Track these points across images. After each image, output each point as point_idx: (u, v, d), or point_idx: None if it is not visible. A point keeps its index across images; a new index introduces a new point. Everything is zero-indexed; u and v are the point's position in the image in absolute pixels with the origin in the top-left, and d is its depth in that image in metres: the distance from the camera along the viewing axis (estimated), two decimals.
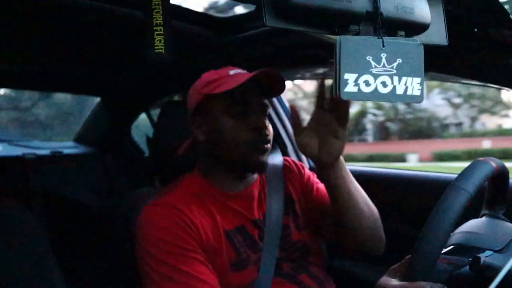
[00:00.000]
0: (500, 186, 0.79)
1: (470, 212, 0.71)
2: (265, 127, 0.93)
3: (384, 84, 0.53)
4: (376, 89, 0.53)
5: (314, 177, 1.08)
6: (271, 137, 0.95)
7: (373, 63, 0.53)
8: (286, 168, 1.09)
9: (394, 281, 0.64)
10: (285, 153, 1.70)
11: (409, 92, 0.55)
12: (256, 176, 1.02)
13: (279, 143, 1.61)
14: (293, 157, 1.67)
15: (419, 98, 0.56)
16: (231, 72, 0.94)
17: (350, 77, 0.52)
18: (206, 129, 0.95)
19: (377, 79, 0.53)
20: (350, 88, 0.52)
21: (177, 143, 1.11)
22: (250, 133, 0.92)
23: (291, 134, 1.62)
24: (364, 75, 0.53)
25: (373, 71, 0.53)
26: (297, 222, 1.01)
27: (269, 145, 0.94)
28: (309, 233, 1.02)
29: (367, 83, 0.53)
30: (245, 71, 0.96)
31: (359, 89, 0.53)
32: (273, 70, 0.91)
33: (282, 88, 0.95)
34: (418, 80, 0.55)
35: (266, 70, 0.90)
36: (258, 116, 0.93)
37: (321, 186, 1.04)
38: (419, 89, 0.55)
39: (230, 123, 0.92)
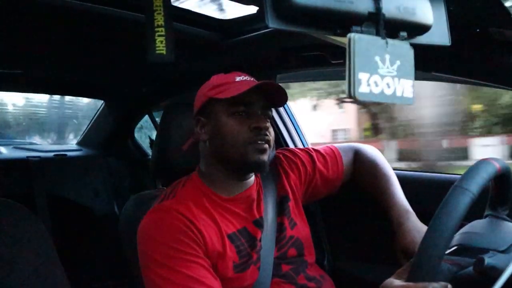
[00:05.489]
0: (503, 187, 0.78)
1: (473, 213, 0.70)
2: (266, 128, 0.95)
3: (388, 85, 0.53)
4: (382, 90, 0.52)
5: (307, 155, 1.14)
6: (271, 138, 0.97)
7: (380, 64, 0.52)
8: (280, 161, 1.11)
9: (398, 282, 0.65)
10: None
11: (405, 94, 0.55)
12: (253, 178, 1.03)
13: (281, 144, 1.61)
14: None
15: (412, 100, 0.56)
16: (238, 79, 0.97)
17: (363, 77, 0.51)
18: (209, 128, 0.97)
19: (383, 80, 0.53)
20: (364, 88, 0.51)
21: (180, 144, 1.11)
22: (250, 132, 0.93)
23: (294, 135, 1.64)
24: (373, 75, 0.52)
25: (380, 72, 0.52)
26: (290, 219, 1.04)
27: (268, 146, 0.96)
28: (300, 228, 1.05)
29: (376, 84, 0.52)
30: (252, 78, 0.99)
31: (370, 90, 0.51)
32: (275, 83, 0.96)
33: (285, 99, 0.98)
34: (411, 82, 0.55)
35: (269, 82, 0.95)
36: (259, 116, 0.95)
37: (321, 159, 1.15)
38: (411, 91, 0.55)
39: (231, 122, 0.94)
